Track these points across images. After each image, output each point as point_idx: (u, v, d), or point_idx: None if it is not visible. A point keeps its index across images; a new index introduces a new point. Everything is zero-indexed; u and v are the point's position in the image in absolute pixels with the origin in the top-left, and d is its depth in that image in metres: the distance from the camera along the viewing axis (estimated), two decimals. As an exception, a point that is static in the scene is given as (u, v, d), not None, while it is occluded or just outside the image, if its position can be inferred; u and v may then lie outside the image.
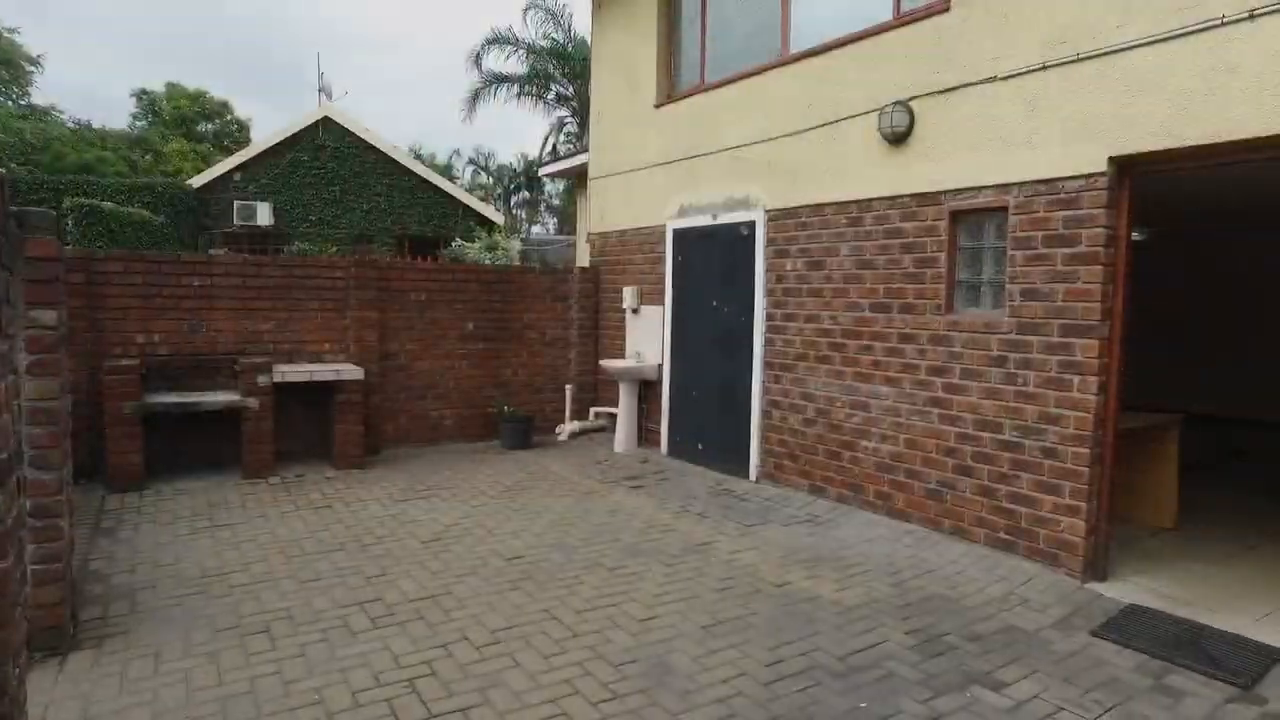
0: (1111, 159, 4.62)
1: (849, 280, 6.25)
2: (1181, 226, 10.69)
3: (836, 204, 6.36)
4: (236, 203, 17.09)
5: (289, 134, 17.85)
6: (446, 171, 33.63)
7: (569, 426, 9.19)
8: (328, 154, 18.16)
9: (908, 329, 5.78)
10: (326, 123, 18.19)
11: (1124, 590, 4.70)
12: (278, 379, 6.99)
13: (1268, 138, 4.03)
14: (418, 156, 31.16)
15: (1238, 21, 4.12)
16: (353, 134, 18.43)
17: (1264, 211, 8.87)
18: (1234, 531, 5.85)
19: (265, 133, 19.15)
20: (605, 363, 8.89)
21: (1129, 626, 4.23)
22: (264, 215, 17.08)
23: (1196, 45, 4.27)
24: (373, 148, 18.71)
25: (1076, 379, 4.77)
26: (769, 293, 7.04)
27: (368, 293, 7.99)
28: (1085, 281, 4.73)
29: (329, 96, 20.83)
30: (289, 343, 7.63)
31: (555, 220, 38.28)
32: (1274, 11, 3.99)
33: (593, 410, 9.49)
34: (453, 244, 17.93)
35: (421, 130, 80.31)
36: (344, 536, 5.51)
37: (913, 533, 5.68)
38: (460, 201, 20.21)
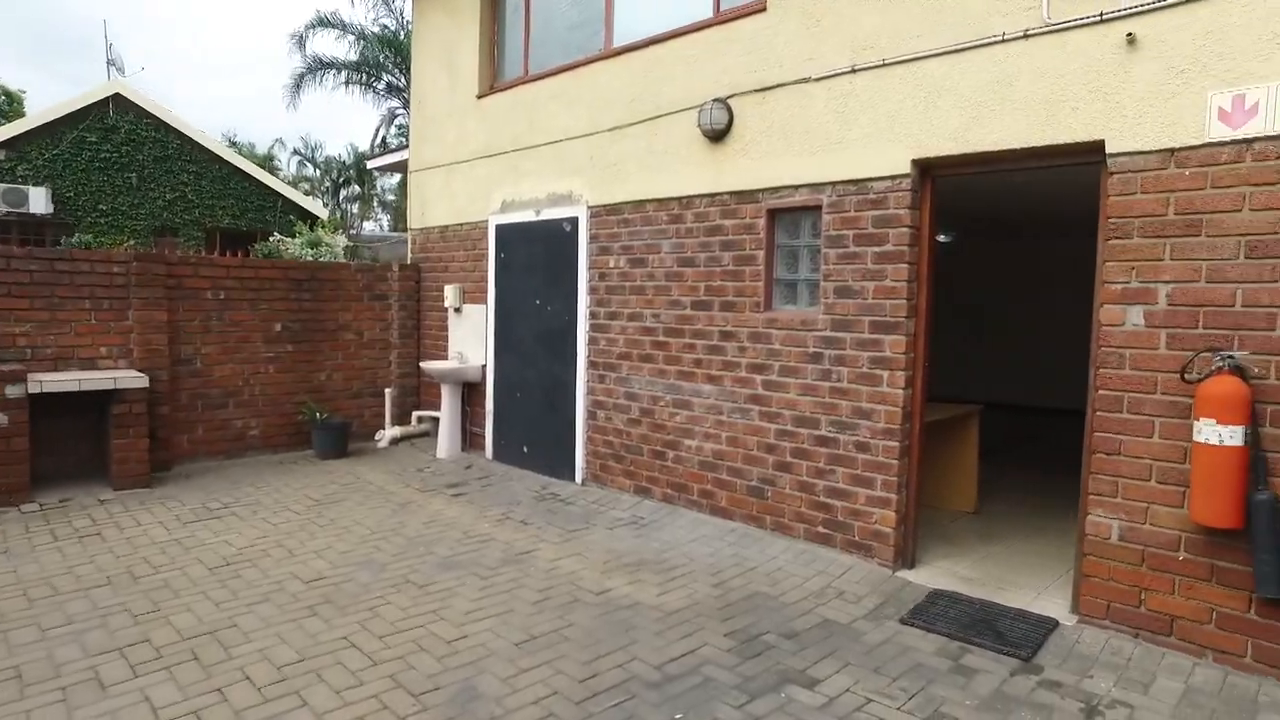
0: (914, 161, 4.78)
1: (671, 278, 6.20)
2: (984, 230, 11.59)
3: (658, 200, 6.29)
4: (1, 186, 15.05)
5: (70, 110, 15.91)
6: (268, 162, 31.38)
7: (389, 432, 8.67)
8: (121, 136, 16.35)
9: (728, 326, 5.78)
10: (119, 101, 16.37)
11: (930, 575, 4.88)
12: (35, 389, 6.09)
13: (1040, 147, 4.29)
14: (232, 144, 28.94)
15: (1015, 40, 4.35)
16: (151, 115, 16.72)
17: (1048, 219, 9.72)
18: (1025, 512, 6.27)
19: (44, 107, 16.80)
20: (426, 364, 8.44)
21: (933, 611, 4.37)
22: (39, 202, 15.11)
23: (984, 58, 4.48)
24: (176, 131, 17.05)
25: (885, 374, 4.91)
26: (592, 290, 6.88)
27: (153, 291, 7.15)
28: (893, 280, 4.87)
29: (121, 71, 18.82)
30: (53, 348, 6.69)
31: (389, 217, 36.69)
32: (1044, 33, 4.24)
33: (415, 415, 9.01)
34: (270, 239, 16.65)
35: (242, 117, 74.78)
36: (112, 569, 4.83)
37: (736, 530, 5.69)
38: (280, 194, 18.83)
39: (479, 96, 8.28)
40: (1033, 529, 5.86)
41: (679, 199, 6.14)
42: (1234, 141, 3.72)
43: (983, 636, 4.06)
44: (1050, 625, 4.19)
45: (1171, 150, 3.88)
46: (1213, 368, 3.69)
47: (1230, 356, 3.67)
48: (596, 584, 4.76)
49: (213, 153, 17.75)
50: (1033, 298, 12.53)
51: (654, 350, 6.35)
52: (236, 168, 18.18)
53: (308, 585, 4.62)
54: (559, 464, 7.21)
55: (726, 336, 5.79)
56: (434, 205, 9.07)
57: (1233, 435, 3.58)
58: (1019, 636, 4.06)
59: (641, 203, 6.44)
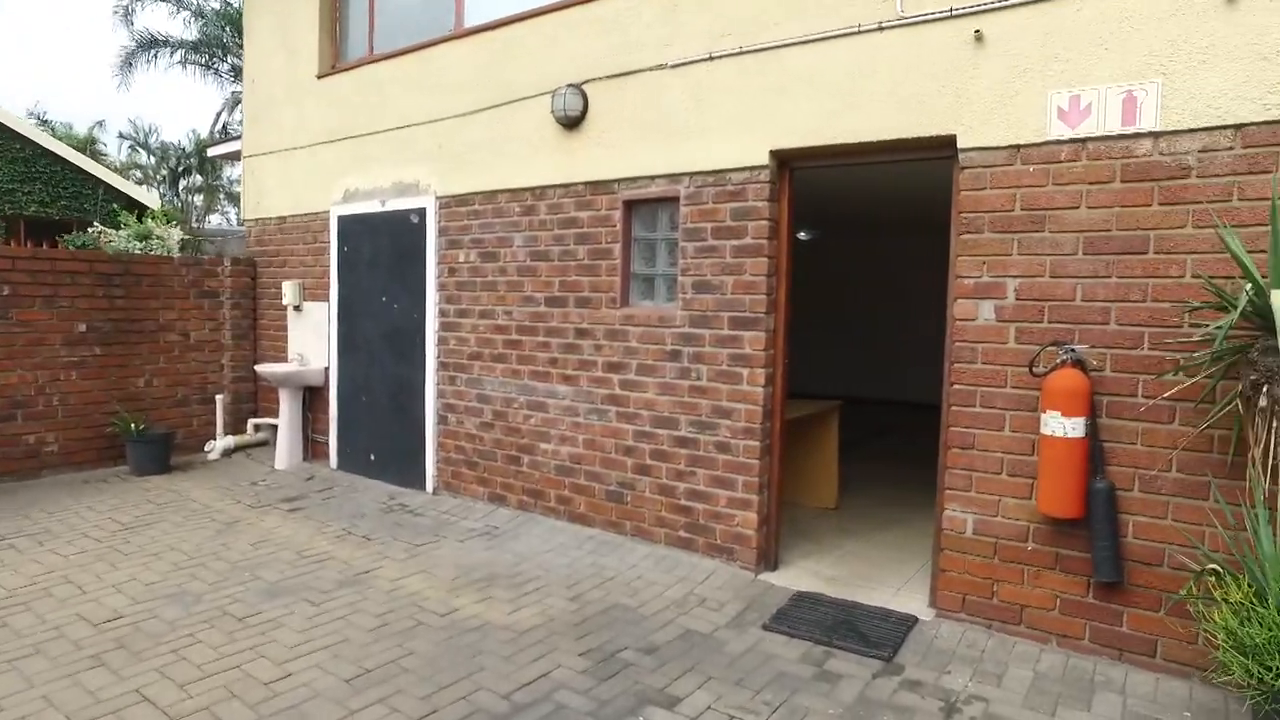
0: (772, 152, 4.66)
1: (524, 273, 5.86)
2: (846, 228, 11.86)
3: (510, 191, 5.94)
4: None
5: None
6: (89, 145, 28.52)
7: (221, 443, 7.88)
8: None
9: (584, 324, 5.51)
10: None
11: (793, 577, 4.79)
12: None
13: (895, 141, 4.25)
14: (43, 123, 26.14)
15: (871, 31, 4.30)
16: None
17: (906, 216, 10.00)
18: (883, 505, 6.34)
19: None
20: (262, 368, 7.72)
21: (796, 615, 4.26)
22: None
23: (842, 50, 4.41)
24: (-34, 108, 15.10)
25: (745, 371, 4.77)
26: (442, 287, 6.45)
27: (-80, 285, 6.15)
28: (751, 274, 4.73)
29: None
30: None
31: (236, 210, 34.20)
32: (899, 26, 4.21)
33: (252, 423, 8.24)
34: (90, 230, 15.00)
35: (58, 95, 68.05)
36: None
37: (595, 538, 5.42)
38: (101, 180, 17.06)
39: (319, 77, 7.64)
40: (892, 522, 5.91)
41: (532, 189, 5.81)
42: (1072, 140, 3.77)
43: (845, 639, 3.97)
44: (910, 622, 4.16)
45: (1017, 147, 3.91)
46: (1057, 361, 3.73)
47: (1072, 350, 3.72)
48: (443, 604, 4.37)
49: (13, 131, 15.84)
50: (890, 294, 12.97)
51: (507, 349, 5.99)
52: (45, 149, 16.31)
53: (97, 629, 3.99)
54: (408, 472, 6.73)
55: (582, 334, 5.52)
56: (271, 194, 8.32)
57: (1075, 427, 3.62)
58: (881, 636, 4.00)
59: (493, 193, 6.07)
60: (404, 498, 6.50)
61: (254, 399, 8.44)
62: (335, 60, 7.71)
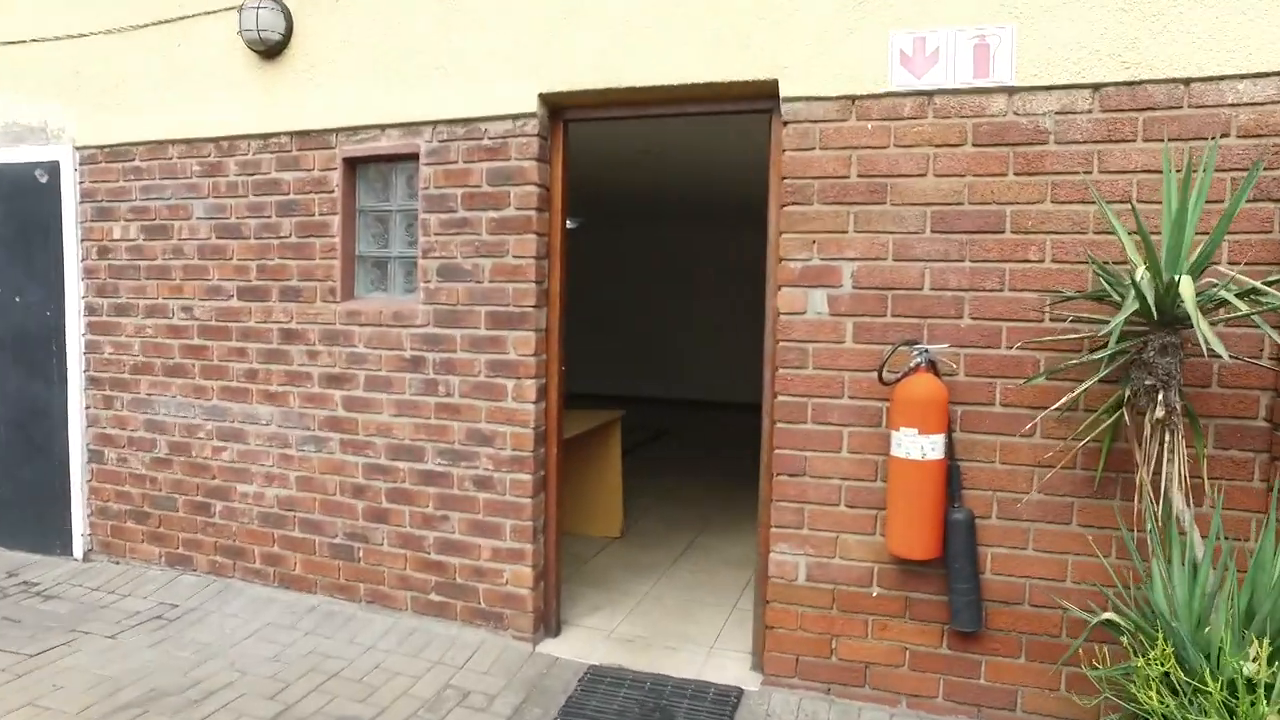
0: (542, 97, 3.56)
1: (209, 254, 4.29)
2: (619, 214, 10.97)
3: (186, 142, 4.33)
4: None
5: None
6: None
7: None
8: None
9: (294, 323, 4.09)
10: None
11: (582, 643, 3.75)
12: None
13: (702, 85, 3.33)
14: None
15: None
16: None
17: (690, 201, 9.28)
18: (673, 528, 5.52)
19: None
20: None
21: (593, 706, 3.23)
22: None
23: (627, -37, 3.41)
24: None
25: (510, 384, 3.65)
26: (89, 273, 4.65)
27: None
28: (516, 256, 3.61)
29: None
30: None
31: None
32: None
33: None
34: None
35: None
36: None
37: (318, 609, 4.04)
38: None
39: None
40: (688, 549, 5.08)
41: (217, 141, 4.25)
42: (917, 93, 3.06)
43: (658, 738, 3.01)
44: (734, 698, 3.29)
45: (853, 98, 3.13)
46: (910, 365, 3.00)
47: (926, 351, 3.01)
48: (55, 762, 2.83)
49: None
50: (664, 286, 12.39)
51: (188, 359, 4.38)
52: None
53: None
54: (43, 532, 4.83)
55: (291, 337, 4.09)
56: None
57: (933, 446, 2.91)
58: (701, 725, 3.09)
59: (161, 144, 4.40)
60: (33, 571, 4.61)
61: None
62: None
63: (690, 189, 8.14)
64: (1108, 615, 2.57)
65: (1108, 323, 2.56)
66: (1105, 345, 2.62)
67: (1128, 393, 2.63)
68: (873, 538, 3.18)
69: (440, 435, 3.78)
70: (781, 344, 3.24)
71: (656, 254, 12.40)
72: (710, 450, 8.46)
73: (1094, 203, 2.87)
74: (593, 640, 3.80)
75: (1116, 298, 2.63)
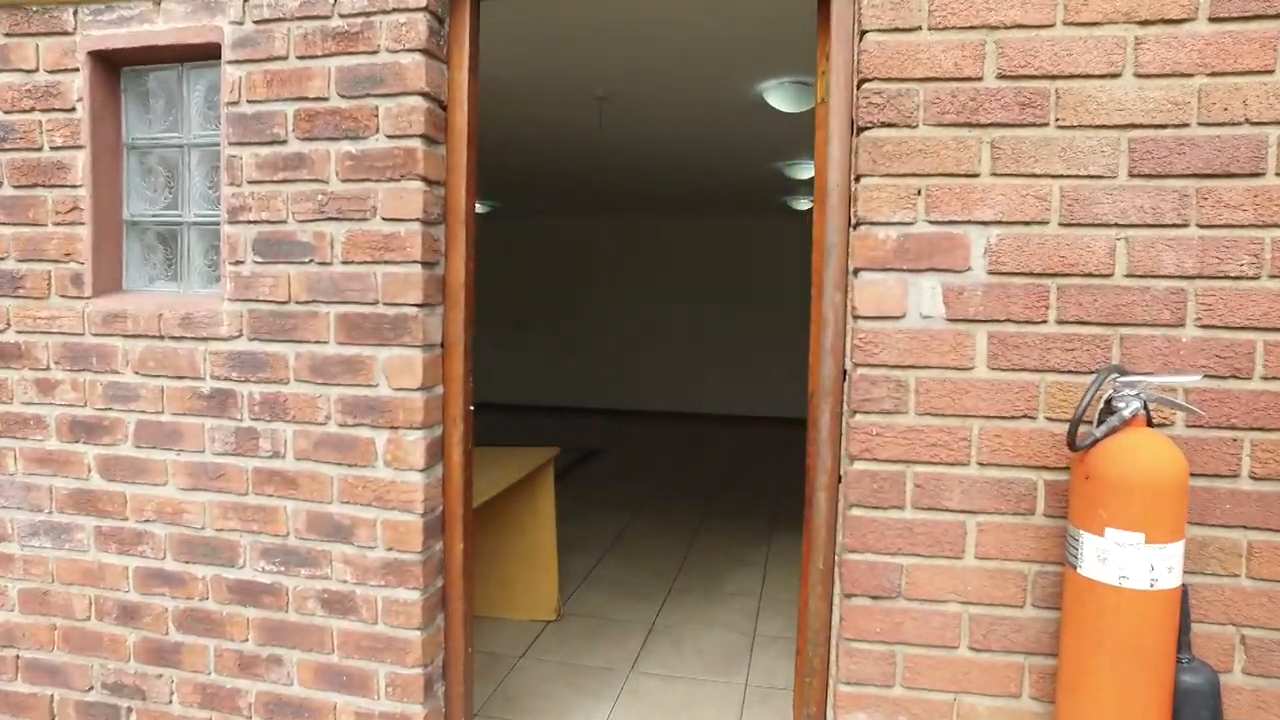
0: (429, -52, 2.08)
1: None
2: (539, 203, 9.33)
3: None
4: None
5: None
6: None
7: None
8: None
9: (10, 332, 2.43)
10: None
11: None
12: None
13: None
14: None
15: None
16: None
17: (616, 188, 7.75)
18: (630, 600, 4.09)
19: None
20: None
21: None
22: None
23: None
24: None
25: (382, 437, 2.14)
26: None
27: None
28: (390, 218, 2.11)
29: None
30: None
31: None
32: None
33: None
34: None
35: None
36: None
37: (60, 808, 2.44)
38: None
39: None
40: (650, 633, 3.67)
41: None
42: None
43: None
44: None
45: (987, -66, 1.78)
46: (1119, 413, 1.67)
47: (1145, 389, 1.69)
48: None
49: None
50: (598, 285, 10.89)
51: None
52: None
53: None
54: None
55: (6, 356, 2.45)
56: None
57: (1171, 566, 1.59)
58: None
59: None
60: None
61: None
62: None
63: (669, 168, 6.72)
64: None
65: None
66: None
67: None
68: (1018, 703, 1.85)
69: (264, 523, 2.24)
70: (861, 373, 1.86)
71: (584, 248, 10.90)
72: (657, 472, 7.09)
73: None
74: None
75: None
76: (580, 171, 7.09)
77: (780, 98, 4.19)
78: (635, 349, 10.57)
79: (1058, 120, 1.75)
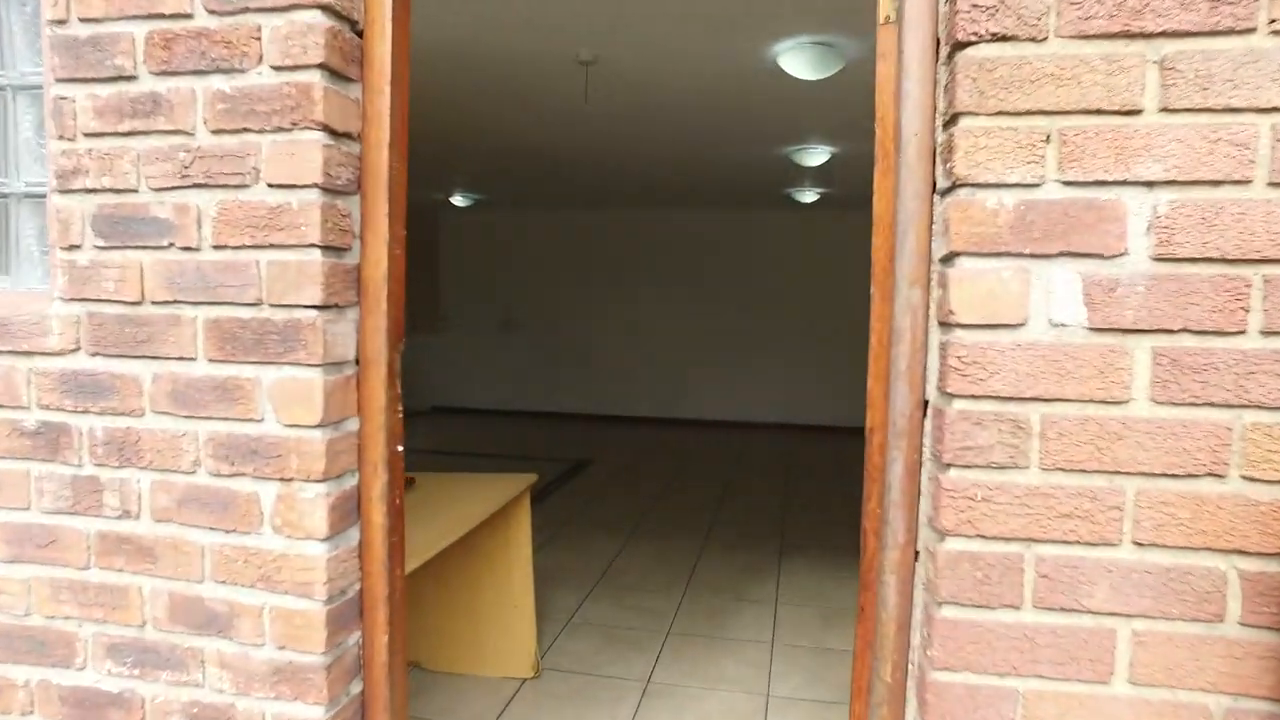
0: None
1: None
2: (515, 194, 8.67)
3: None
4: None
5: None
6: None
7: None
8: None
9: None
10: None
11: None
12: None
13: None
14: None
15: None
16: None
17: (605, 173, 7.11)
18: (620, 643, 3.50)
19: None
20: None
21: None
22: None
23: None
24: None
25: (271, 491, 1.53)
26: None
27: None
28: (276, 183, 1.51)
29: None
30: None
31: None
32: None
33: None
34: None
35: None
36: None
37: None
38: None
39: None
40: (644, 695, 3.07)
41: None
42: None
43: None
44: None
45: None
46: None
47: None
48: None
49: None
50: (586, 284, 10.27)
51: None
52: None
53: None
54: None
55: None
56: None
57: None
58: None
59: None
60: None
61: None
62: None
63: (664, 153, 6.10)
64: None
65: None
66: None
67: None
68: None
69: (111, 609, 1.63)
70: (959, 408, 1.26)
71: (567, 242, 10.29)
72: (651, 488, 6.49)
73: None
74: None
75: None
76: (566, 157, 6.48)
77: (797, 62, 3.59)
78: (629, 351, 9.96)
79: (1271, 22, 1.15)
